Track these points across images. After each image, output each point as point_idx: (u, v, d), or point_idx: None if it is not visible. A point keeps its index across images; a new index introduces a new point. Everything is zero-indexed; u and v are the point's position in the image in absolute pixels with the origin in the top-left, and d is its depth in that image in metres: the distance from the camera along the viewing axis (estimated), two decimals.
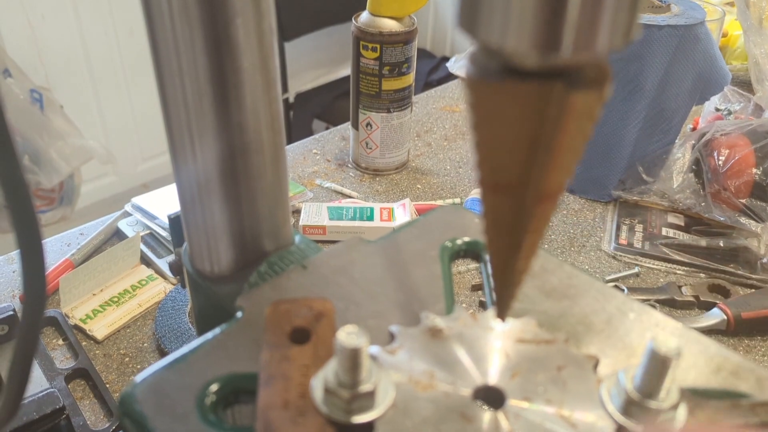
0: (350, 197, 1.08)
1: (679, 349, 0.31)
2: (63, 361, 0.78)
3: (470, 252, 0.46)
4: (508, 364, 0.36)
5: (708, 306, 0.91)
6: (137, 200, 0.99)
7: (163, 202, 0.99)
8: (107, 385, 0.76)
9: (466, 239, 0.47)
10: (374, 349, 0.36)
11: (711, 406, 0.34)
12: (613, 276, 0.97)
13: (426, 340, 0.37)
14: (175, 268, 0.52)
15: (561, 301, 0.42)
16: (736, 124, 1.04)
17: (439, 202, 1.07)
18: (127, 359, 0.80)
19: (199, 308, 0.49)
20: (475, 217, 0.49)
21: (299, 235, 0.50)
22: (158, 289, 0.88)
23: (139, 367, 0.80)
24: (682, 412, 0.33)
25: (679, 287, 0.93)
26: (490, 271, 0.43)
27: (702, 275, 0.95)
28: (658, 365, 0.32)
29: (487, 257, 0.46)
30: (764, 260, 0.94)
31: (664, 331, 0.40)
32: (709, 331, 0.89)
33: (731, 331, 0.88)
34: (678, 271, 0.96)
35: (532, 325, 0.38)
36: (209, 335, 0.39)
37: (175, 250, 0.53)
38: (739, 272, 0.94)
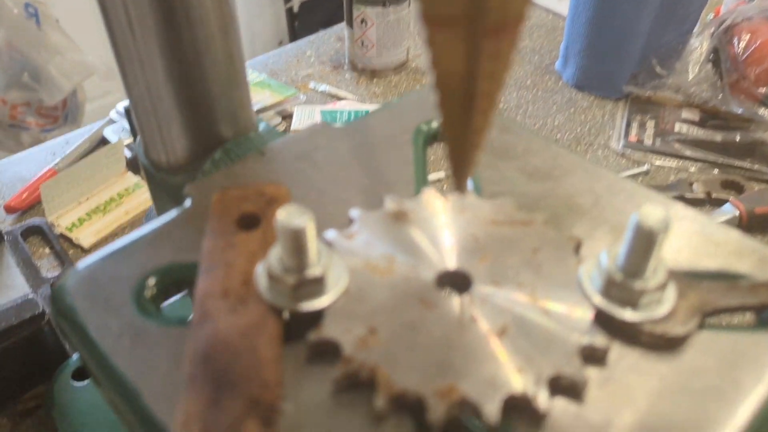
0: (344, 100, 1.03)
1: (667, 221, 0.27)
2: (50, 269, 0.77)
3: None
4: (477, 247, 0.32)
5: (720, 203, 0.87)
6: (121, 105, 0.94)
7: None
8: None
9: None
10: (330, 234, 0.33)
11: (704, 288, 0.30)
12: (624, 174, 0.92)
13: (388, 224, 0.33)
14: (133, 164, 0.48)
15: (544, 183, 0.38)
16: (759, 8, 0.96)
17: None
18: None
19: (158, 204, 0.46)
20: None
21: (265, 123, 0.46)
22: (146, 197, 0.85)
23: None
24: (670, 293, 0.29)
25: (690, 184, 0.88)
26: None
27: (715, 172, 0.90)
28: (643, 240, 0.28)
29: None
30: None
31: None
32: None
33: (744, 227, 0.84)
34: (691, 168, 0.91)
35: (508, 207, 0.34)
36: (153, 224, 0.35)
37: (134, 143, 0.49)
38: (756, 167, 0.89)
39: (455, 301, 0.29)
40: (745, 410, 0.27)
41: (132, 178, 0.87)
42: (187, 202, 0.36)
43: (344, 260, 0.31)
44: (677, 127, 0.96)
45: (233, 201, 0.34)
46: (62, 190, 0.82)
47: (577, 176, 0.38)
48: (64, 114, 1.82)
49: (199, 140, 0.42)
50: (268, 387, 0.26)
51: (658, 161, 0.91)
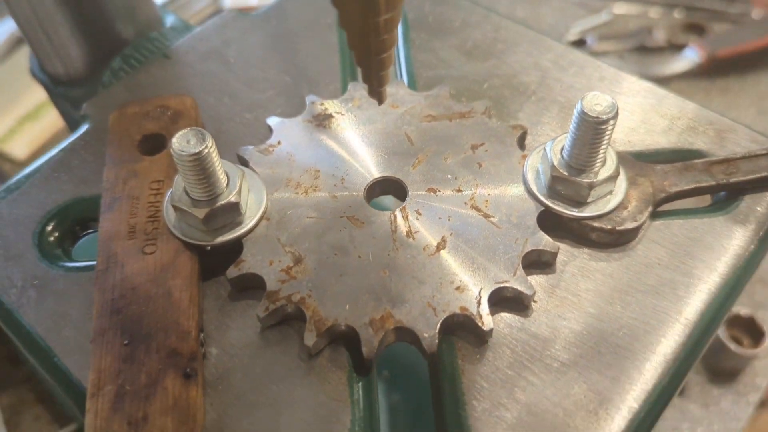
0: None
1: (614, 108, 0.24)
2: None
3: None
4: (411, 149, 0.29)
5: (682, 49, 0.83)
6: None
7: None
8: None
9: None
10: (246, 150, 0.29)
11: (657, 172, 0.28)
12: (580, 27, 0.87)
13: (311, 132, 0.30)
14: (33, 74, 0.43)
15: (485, 61, 0.34)
16: None
17: None
18: None
19: (64, 116, 0.41)
20: None
21: (173, 16, 0.40)
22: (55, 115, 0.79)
23: None
24: (621, 184, 0.27)
25: (650, 31, 0.83)
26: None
27: (677, 15, 0.85)
28: (589, 131, 0.25)
29: None
30: None
31: (609, 85, 0.32)
32: (682, 76, 0.81)
33: (705, 71, 0.80)
34: (651, 15, 0.86)
35: (443, 97, 0.31)
36: (50, 153, 0.31)
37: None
38: (716, 7, 0.84)
39: (388, 215, 0.27)
40: (698, 303, 0.25)
41: None
42: (85, 125, 0.32)
43: (262, 180, 0.28)
44: None
45: (133, 119, 0.30)
46: None
47: (521, 50, 0.34)
48: None
49: (97, 44, 0.37)
50: (187, 335, 0.24)
51: (619, 8, 0.86)
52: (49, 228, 0.29)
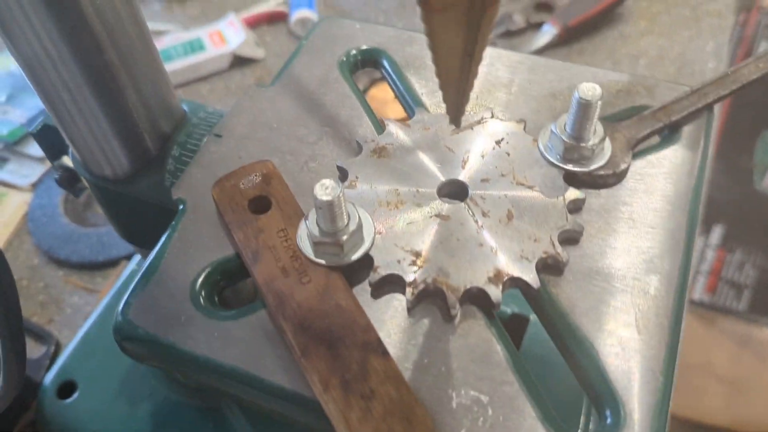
0: (169, 33, 0.99)
1: (601, 92, 0.35)
2: None
3: (367, 61, 0.46)
4: (454, 156, 0.39)
5: (539, 26, 0.98)
6: None
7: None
8: (26, 316, 0.72)
9: (361, 47, 0.46)
10: None
11: (624, 126, 0.40)
12: None
13: (375, 163, 0.39)
14: (66, 181, 0.48)
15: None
16: None
17: (264, 6, 1.01)
18: (24, 282, 0.76)
19: (115, 213, 0.47)
20: (355, 23, 0.48)
21: (184, 102, 0.47)
22: (17, 202, 0.81)
23: (41, 284, 0.76)
24: (607, 143, 0.38)
25: (510, 16, 0.98)
26: (394, 74, 0.44)
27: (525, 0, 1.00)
28: (585, 111, 0.36)
29: (384, 61, 0.46)
30: None
31: (552, 72, 0.44)
32: (545, 48, 0.96)
33: (562, 41, 0.96)
34: (506, 2, 1.00)
35: None
36: (164, 237, 0.38)
37: (54, 163, 0.48)
38: None
39: (464, 207, 0.36)
40: (689, 200, 0.37)
41: None
42: (181, 207, 0.39)
43: (361, 207, 0.36)
44: None
45: (233, 190, 0.38)
46: None
47: (483, 63, 0.45)
48: None
49: (145, 145, 0.43)
50: (368, 328, 0.32)
51: None
52: (199, 290, 0.35)
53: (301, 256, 0.35)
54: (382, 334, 0.33)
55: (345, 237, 0.34)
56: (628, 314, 0.33)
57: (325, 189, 0.32)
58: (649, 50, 0.95)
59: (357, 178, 0.38)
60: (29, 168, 0.84)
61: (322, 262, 0.34)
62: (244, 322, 0.34)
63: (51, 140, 0.46)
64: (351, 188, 0.38)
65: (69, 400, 0.61)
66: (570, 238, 0.36)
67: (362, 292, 0.35)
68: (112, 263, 0.76)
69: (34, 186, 0.82)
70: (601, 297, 0.34)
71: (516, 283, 0.34)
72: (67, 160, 0.47)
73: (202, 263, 0.36)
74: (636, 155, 0.39)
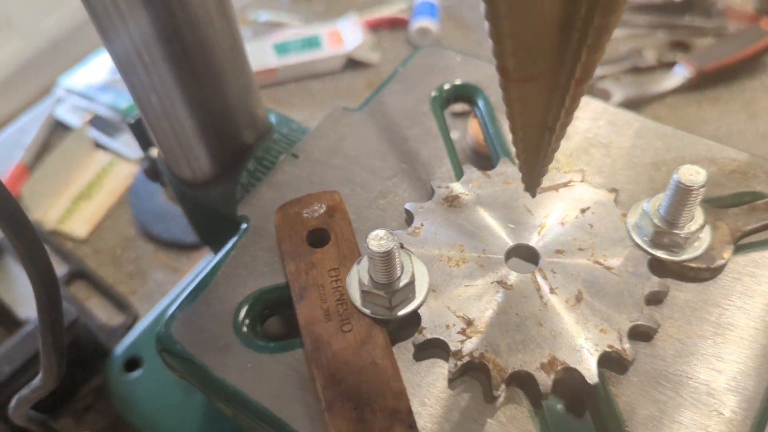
0: (289, 26, 1.00)
1: (705, 179, 0.31)
2: (55, 268, 0.77)
3: (461, 96, 0.44)
4: (532, 219, 0.36)
5: (671, 66, 0.91)
6: (68, 82, 0.90)
7: (93, 77, 0.91)
8: (108, 280, 0.76)
9: (456, 83, 0.44)
10: (398, 233, 0.36)
11: (730, 216, 0.35)
12: None
13: (445, 212, 0.36)
14: (151, 173, 0.49)
15: None
16: None
17: (387, 11, 1.00)
18: (118, 251, 0.79)
19: (189, 212, 0.47)
20: (457, 55, 0.45)
21: (273, 114, 0.47)
22: (124, 173, 0.85)
23: (132, 254, 0.79)
24: (707, 230, 0.34)
25: (640, 52, 0.92)
26: (487, 115, 0.41)
27: (661, 35, 0.94)
28: (684, 196, 0.32)
29: (480, 100, 0.43)
30: (718, 5, 0.93)
31: (659, 138, 0.39)
32: (675, 90, 0.89)
33: (695, 85, 0.89)
34: (638, 34, 0.94)
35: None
36: (222, 253, 0.37)
37: (145, 153, 0.49)
38: (696, 24, 0.93)
39: (530, 278, 0.33)
40: None
41: (104, 157, 0.86)
42: (244, 225, 0.38)
43: (419, 257, 0.34)
44: None
45: (295, 218, 0.37)
46: (41, 186, 0.81)
47: (586, 118, 0.41)
48: None
49: (225, 152, 0.43)
50: (401, 395, 0.30)
51: None
52: (244, 317, 0.35)
53: (348, 302, 0.33)
54: (416, 401, 0.31)
55: (394, 292, 0.32)
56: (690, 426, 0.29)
57: (379, 240, 0.30)
58: None
59: (422, 225, 0.36)
60: None
61: (368, 312, 0.33)
62: (280, 359, 0.33)
63: (145, 133, 0.47)
64: (414, 236, 0.36)
65: (133, 375, 0.64)
66: (642, 333, 0.32)
67: (405, 351, 0.33)
68: (197, 246, 0.78)
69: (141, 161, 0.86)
70: (665, 408, 0.30)
71: (570, 374, 0.31)
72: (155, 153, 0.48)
73: (251, 289, 0.36)
74: (739, 250, 0.35)
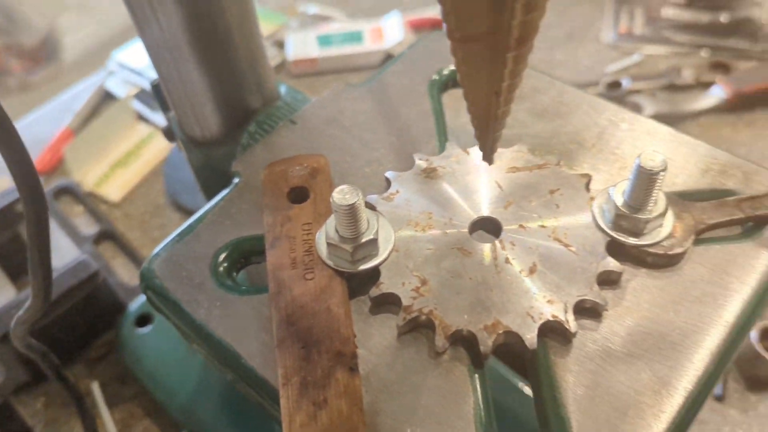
0: (334, 20, 1.03)
1: (664, 164, 0.32)
2: (86, 227, 0.82)
3: (458, 81, 0.45)
4: (501, 194, 0.37)
5: (709, 86, 0.90)
6: (120, 57, 0.96)
7: (143, 54, 0.96)
8: (134, 243, 0.80)
9: (453, 67, 0.46)
10: (373, 198, 0.38)
11: (697, 208, 0.35)
12: (614, 67, 0.95)
13: (421, 182, 0.38)
14: (168, 134, 0.52)
15: (553, 121, 0.42)
16: None
17: (431, 11, 1.03)
18: (147, 216, 0.84)
19: (197, 170, 0.50)
20: None
21: (284, 86, 0.49)
22: (162, 146, 0.89)
23: (159, 221, 0.83)
24: (669, 218, 0.35)
25: (679, 70, 0.91)
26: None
27: (703, 55, 0.93)
28: (645, 180, 0.33)
29: None
30: (766, 29, 0.91)
31: (654, 139, 0.40)
32: (710, 111, 0.88)
33: (731, 106, 0.88)
34: (680, 52, 0.94)
35: (523, 152, 0.39)
36: (211, 203, 0.40)
37: (165, 114, 0.52)
38: (741, 46, 0.92)
39: (489, 247, 0.35)
40: (734, 310, 0.33)
41: (144, 129, 0.90)
42: (235, 179, 0.41)
43: (388, 221, 0.36)
44: (665, 12, 0.98)
45: (280, 176, 0.39)
46: (83, 149, 0.86)
47: (582, 111, 0.42)
48: (45, 53, 1.81)
49: (231, 114, 0.46)
50: (347, 341, 0.32)
51: (649, 50, 0.94)
52: (220, 261, 0.37)
53: (315, 253, 0.35)
54: (364, 351, 0.33)
55: (355, 245, 0.34)
56: (621, 405, 0.30)
57: (344, 194, 0.32)
58: None
59: (398, 191, 0.38)
60: None
61: (331, 264, 0.35)
62: (248, 300, 0.35)
63: (163, 94, 0.50)
64: (388, 201, 0.37)
65: (143, 330, 0.67)
66: (591, 309, 0.33)
67: (363, 305, 0.34)
68: None
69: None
70: (600, 380, 0.31)
71: (512, 338, 0.32)
72: None
73: (231, 236, 0.38)
74: (702, 242, 0.35)
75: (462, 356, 0.32)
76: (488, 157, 0.32)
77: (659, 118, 0.85)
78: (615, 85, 0.78)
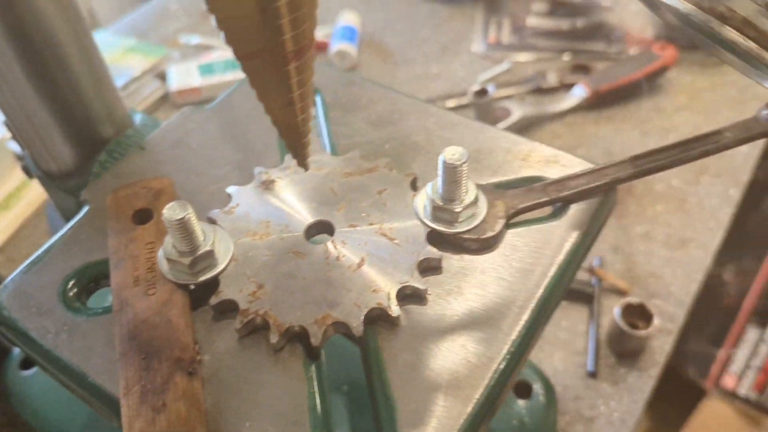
0: (216, 49, 1.05)
1: (465, 156, 0.35)
2: None
3: None
4: (335, 198, 0.40)
5: (572, 87, 0.97)
6: None
7: None
8: None
9: None
10: (215, 213, 0.40)
11: (509, 195, 0.39)
12: (485, 76, 1.00)
13: (260, 194, 0.40)
14: (26, 171, 0.52)
15: (386, 128, 0.45)
16: None
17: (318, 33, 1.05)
18: None
19: (58, 205, 0.51)
20: None
21: (140, 114, 0.51)
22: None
23: None
24: (482, 207, 0.38)
25: (544, 74, 0.97)
26: (322, 112, 0.45)
27: (565, 58, 1.00)
28: (451, 173, 0.36)
29: (318, 99, 0.48)
30: (617, 32, 0.99)
31: (480, 136, 0.44)
32: (574, 110, 0.94)
33: (592, 104, 0.94)
34: (544, 58, 1.00)
35: (356, 158, 0.42)
36: (60, 232, 0.41)
37: (22, 151, 0.53)
38: (597, 48, 0.99)
39: (322, 247, 0.37)
40: (545, 279, 0.36)
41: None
42: (85, 208, 0.42)
43: (228, 233, 0.38)
44: (529, 21, 1.04)
45: (125, 199, 0.40)
46: None
47: (412, 117, 0.46)
48: None
49: (83, 145, 0.47)
50: (186, 348, 0.34)
51: (518, 57, 1.00)
52: (70, 287, 0.38)
53: (157, 269, 0.37)
54: (207, 356, 0.34)
55: (193, 258, 0.35)
56: (442, 381, 0.33)
57: (173, 210, 0.34)
58: (683, 126, 0.91)
59: (237, 205, 0.40)
60: None
61: (171, 278, 0.36)
62: (96, 321, 0.37)
63: None
64: (228, 214, 0.39)
65: (27, 372, 0.66)
66: (413, 295, 0.36)
67: (207, 314, 0.36)
68: None
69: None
70: (422, 357, 0.34)
71: (340, 328, 0.34)
72: None
73: (80, 262, 0.39)
74: (515, 226, 0.39)
75: (298, 351, 0.34)
76: (302, 163, 0.34)
77: (528, 120, 0.91)
78: (482, 92, 0.83)
